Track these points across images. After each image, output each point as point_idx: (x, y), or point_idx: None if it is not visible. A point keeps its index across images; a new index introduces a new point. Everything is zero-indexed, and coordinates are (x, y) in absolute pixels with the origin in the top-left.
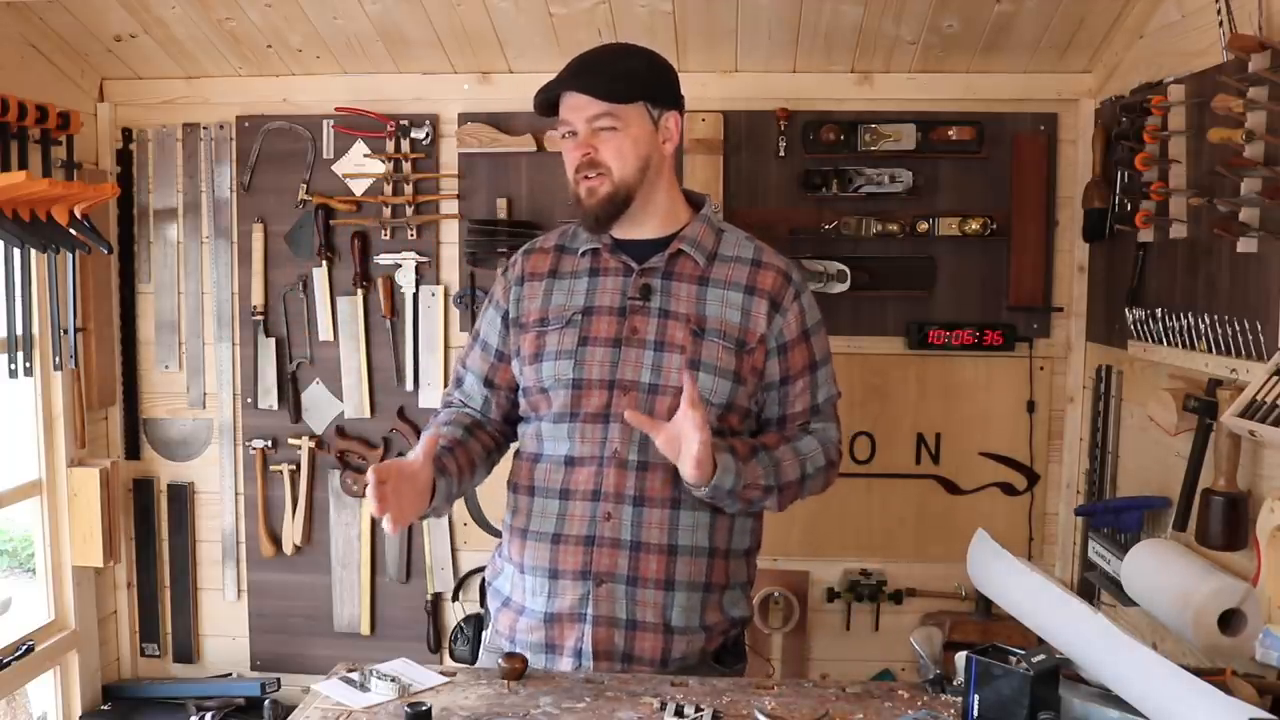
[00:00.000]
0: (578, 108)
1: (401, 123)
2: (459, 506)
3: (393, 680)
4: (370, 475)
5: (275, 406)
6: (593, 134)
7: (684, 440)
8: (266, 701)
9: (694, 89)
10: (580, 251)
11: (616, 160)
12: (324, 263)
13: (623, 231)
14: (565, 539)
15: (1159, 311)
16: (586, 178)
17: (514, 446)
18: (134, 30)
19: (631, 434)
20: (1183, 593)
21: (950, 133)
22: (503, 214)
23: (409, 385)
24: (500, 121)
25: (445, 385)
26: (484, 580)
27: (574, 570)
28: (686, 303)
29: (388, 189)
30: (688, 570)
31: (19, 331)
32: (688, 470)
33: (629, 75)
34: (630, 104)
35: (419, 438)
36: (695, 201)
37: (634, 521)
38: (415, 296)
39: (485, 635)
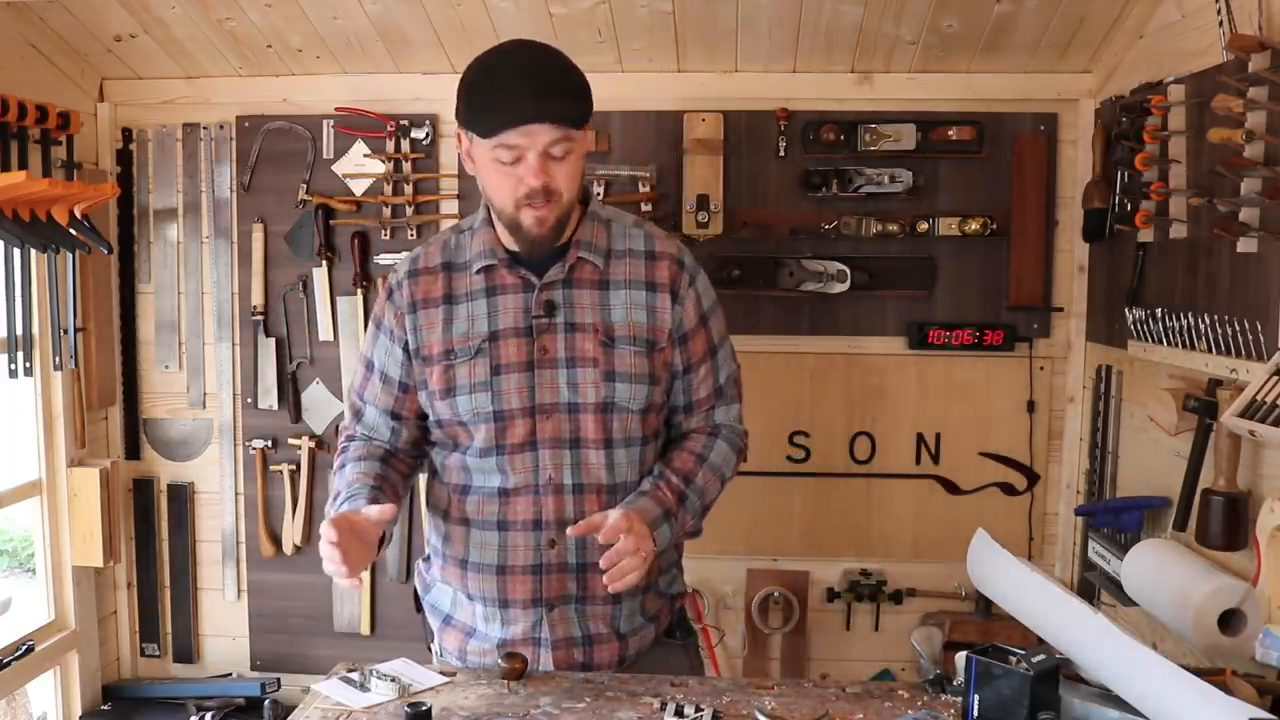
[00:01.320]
0: (538, 134)
1: (401, 123)
2: None
3: (393, 680)
4: (328, 531)
5: (275, 406)
6: (546, 158)
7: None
8: (266, 701)
9: (694, 89)
10: (475, 269)
11: (569, 185)
12: (324, 263)
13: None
14: (511, 569)
15: (1159, 311)
16: (532, 205)
17: (424, 472)
18: (134, 30)
19: (563, 458)
20: (1183, 593)
21: (950, 133)
22: None
23: None
24: None
25: None
26: (415, 592)
27: (524, 599)
28: (592, 310)
29: (388, 189)
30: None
31: (19, 331)
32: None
33: (586, 94)
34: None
35: (332, 472)
36: (581, 196)
37: (578, 545)
38: None
39: (432, 649)
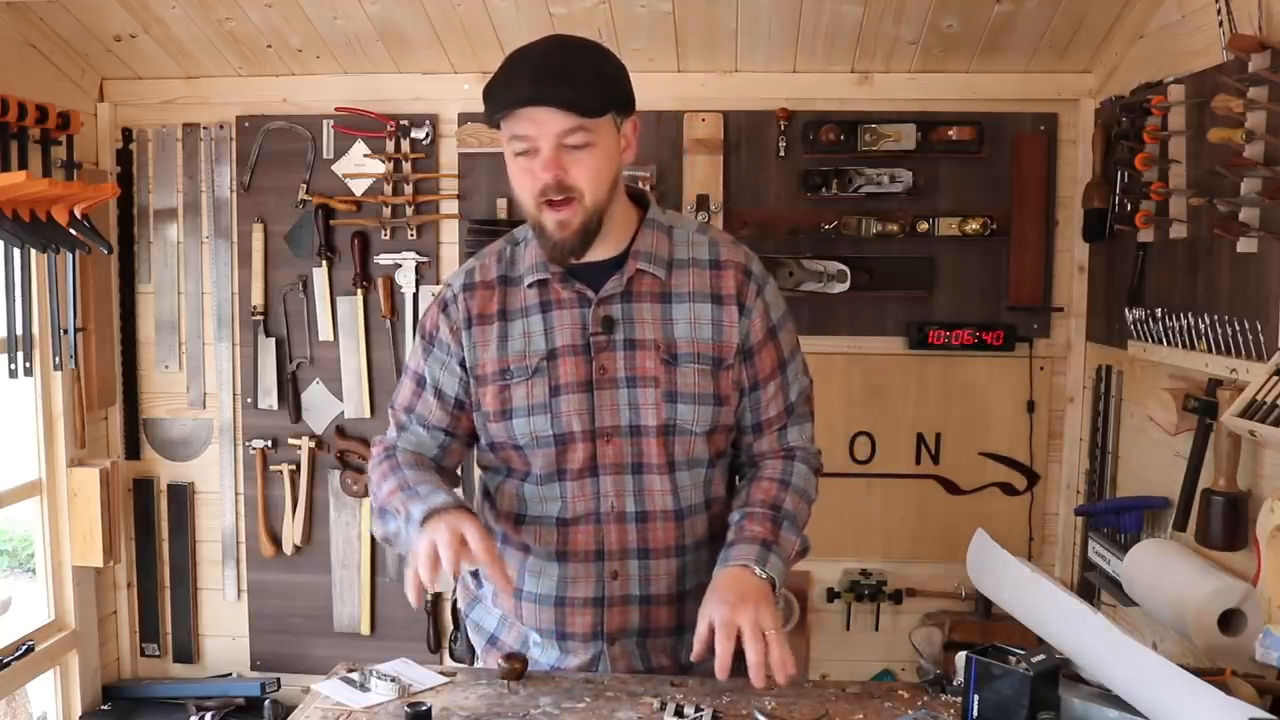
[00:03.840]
0: (544, 121)
1: (401, 123)
2: None
3: (393, 680)
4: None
5: (275, 406)
6: (560, 151)
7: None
8: (266, 701)
9: (694, 89)
10: (528, 283)
11: (590, 183)
12: (324, 263)
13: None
14: (571, 601)
15: (1159, 311)
16: (552, 204)
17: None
18: (134, 30)
19: (625, 484)
20: (1183, 593)
21: (950, 133)
22: (503, 214)
23: None
24: None
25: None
26: (454, 603)
27: (584, 633)
28: (653, 326)
29: (388, 189)
30: (695, 611)
31: (19, 331)
32: None
33: (601, 82)
34: (603, 116)
35: (374, 481)
36: (638, 200)
37: (641, 576)
38: (415, 296)
39: (478, 663)
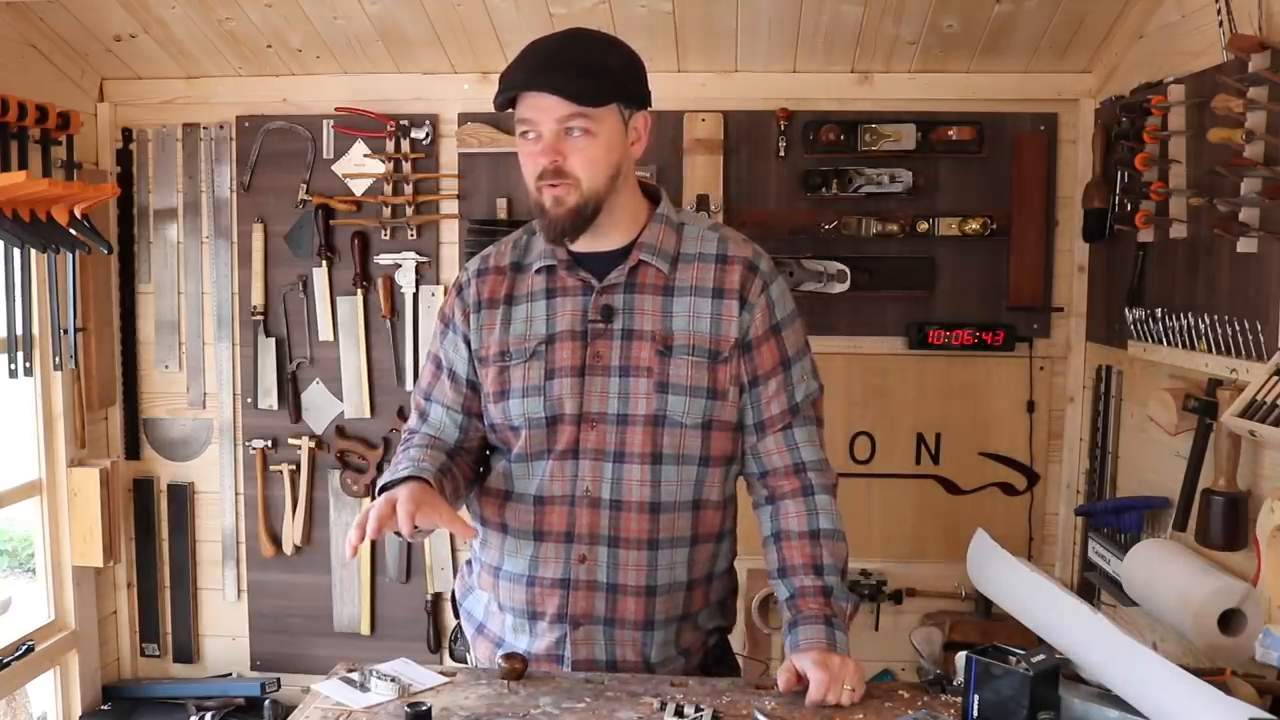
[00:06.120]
0: (544, 108)
1: (401, 123)
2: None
3: (393, 680)
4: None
5: (275, 406)
6: (560, 137)
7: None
8: (266, 701)
9: (694, 89)
10: (535, 269)
11: (586, 170)
12: (324, 263)
13: (581, 244)
14: (540, 581)
15: (1159, 311)
16: (551, 185)
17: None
18: (134, 30)
19: (603, 471)
20: (1183, 593)
21: (950, 133)
22: (503, 214)
23: (409, 385)
24: (500, 121)
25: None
26: (453, 594)
27: (551, 613)
28: (652, 318)
29: (388, 189)
30: (666, 608)
31: (19, 331)
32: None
33: (603, 73)
34: (603, 106)
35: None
36: (651, 195)
37: (609, 563)
38: (415, 296)
39: (469, 658)
